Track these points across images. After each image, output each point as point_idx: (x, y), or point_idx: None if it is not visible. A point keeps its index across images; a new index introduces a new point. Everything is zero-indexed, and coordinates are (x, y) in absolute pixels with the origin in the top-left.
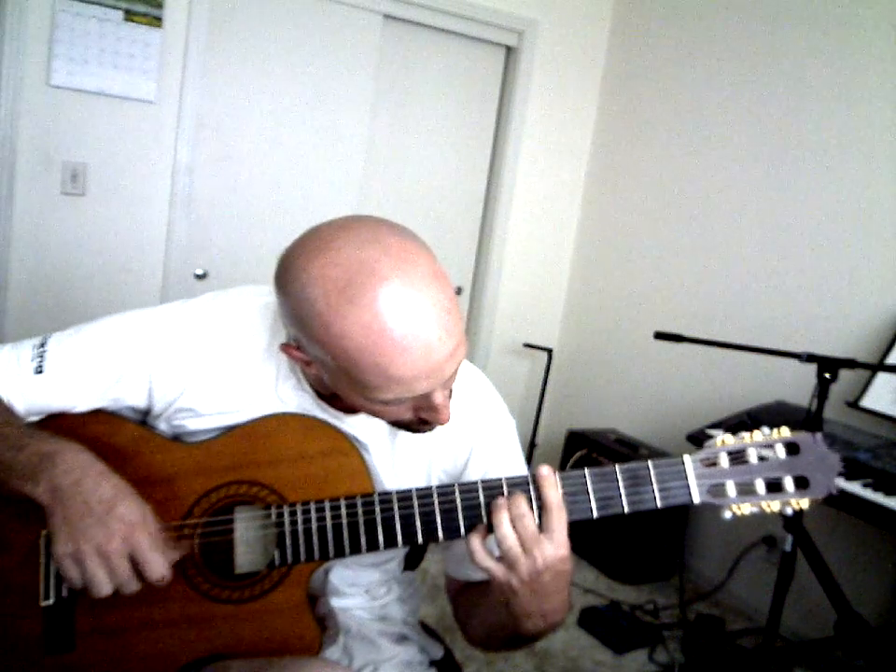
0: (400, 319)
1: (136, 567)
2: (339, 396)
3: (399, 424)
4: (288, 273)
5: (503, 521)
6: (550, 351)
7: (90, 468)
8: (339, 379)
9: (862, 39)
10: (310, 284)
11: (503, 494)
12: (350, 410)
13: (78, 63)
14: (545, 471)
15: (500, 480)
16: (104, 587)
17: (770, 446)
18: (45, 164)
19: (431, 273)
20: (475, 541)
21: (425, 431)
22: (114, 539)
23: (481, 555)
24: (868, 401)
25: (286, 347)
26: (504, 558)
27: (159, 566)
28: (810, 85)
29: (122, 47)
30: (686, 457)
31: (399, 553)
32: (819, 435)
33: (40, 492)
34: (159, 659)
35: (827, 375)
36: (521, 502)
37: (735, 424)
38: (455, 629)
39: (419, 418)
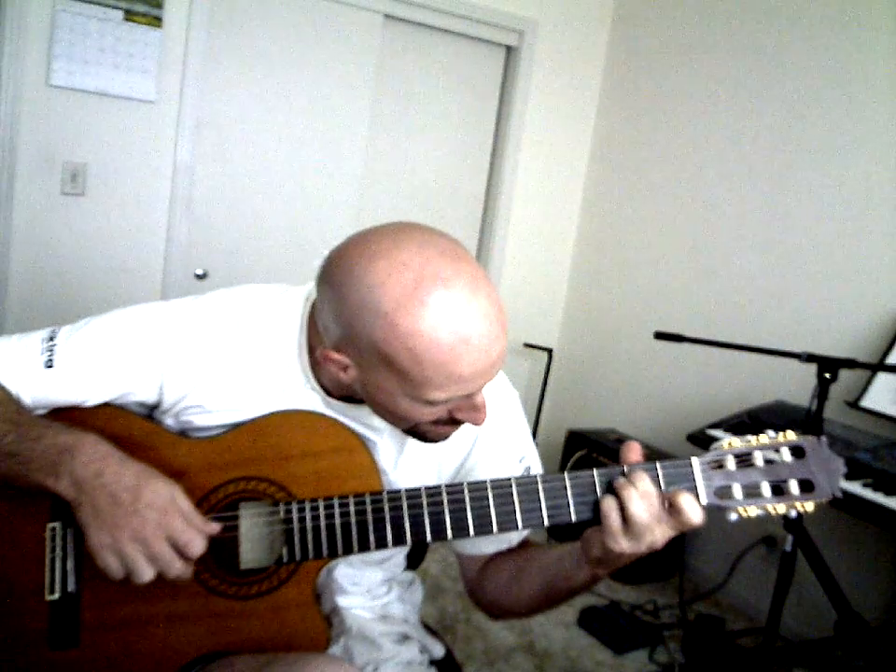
0: (467, 319)
1: (175, 547)
2: (364, 397)
3: (417, 431)
4: (347, 277)
5: (632, 496)
6: (550, 351)
7: (109, 457)
8: (386, 381)
9: (864, 39)
10: (377, 286)
11: (512, 493)
12: (361, 401)
13: (78, 62)
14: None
15: (510, 479)
16: (146, 573)
17: (776, 449)
18: (45, 164)
19: (482, 274)
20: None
21: (442, 439)
22: (147, 524)
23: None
24: (868, 401)
25: (325, 353)
26: (631, 529)
27: (197, 543)
28: (811, 84)
29: (122, 47)
30: (694, 459)
31: (403, 550)
32: (823, 439)
33: (63, 486)
34: (164, 655)
35: (827, 375)
36: (646, 479)
37: (735, 424)
38: (455, 629)
39: (452, 418)
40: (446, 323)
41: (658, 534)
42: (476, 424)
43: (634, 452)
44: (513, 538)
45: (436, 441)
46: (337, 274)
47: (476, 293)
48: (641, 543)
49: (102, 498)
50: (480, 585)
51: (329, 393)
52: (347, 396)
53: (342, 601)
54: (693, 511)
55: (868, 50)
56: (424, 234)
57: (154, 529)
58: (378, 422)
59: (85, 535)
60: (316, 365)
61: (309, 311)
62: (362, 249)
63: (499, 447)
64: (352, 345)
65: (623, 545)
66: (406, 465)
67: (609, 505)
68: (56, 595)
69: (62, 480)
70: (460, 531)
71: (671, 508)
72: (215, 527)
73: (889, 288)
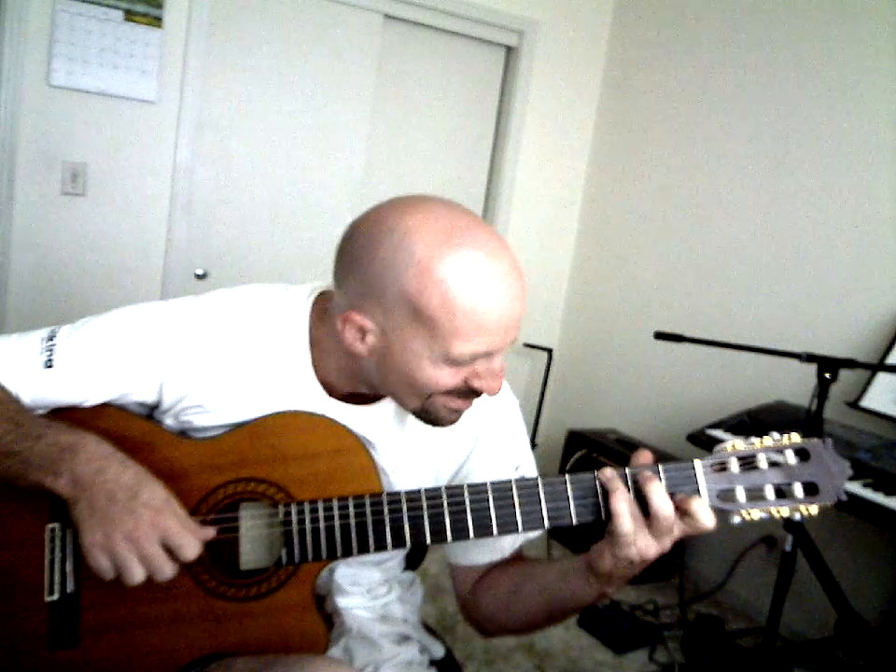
0: (497, 269)
1: (168, 550)
2: (379, 372)
3: (429, 409)
4: (379, 229)
5: (656, 490)
6: (550, 351)
7: (110, 457)
8: (411, 339)
9: (863, 39)
10: (411, 232)
11: (513, 495)
12: (364, 401)
13: (78, 62)
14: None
15: (510, 481)
16: (136, 574)
17: (780, 452)
18: (45, 164)
19: (505, 241)
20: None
21: (451, 418)
22: (142, 524)
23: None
24: (868, 401)
25: (346, 314)
26: (655, 526)
27: (192, 546)
28: (810, 85)
29: (122, 47)
30: (696, 462)
31: (401, 551)
32: (829, 441)
33: (62, 484)
34: (163, 656)
35: (827, 375)
36: (657, 482)
37: (735, 424)
38: (455, 629)
39: (468, 388)
40: (478, 271)
41: (668, 539)
42: (492, 393)
43: (645, 459)
44: (505, 546)
45: (444, 424)
46: (366, 233)
47: (503, 249)
48: (660, 543)
49: (99, 496)
50: (474, 600)
51: (330, 392)
52: (349, 395)
53: (341, 602)
54: (706, 516)
55: (869, 50)
56: (450, 201)
57: (148, 529)
58: (378, 423)
59: (78, 532)
60: (318, 362)
61: (311, 308)
62: (394, 206)
63: (497, 453)
64: (378, 303)
65: (633, 550)
66: (405, 467)
67: (621, 507)
68: (55, 596)
69: (61, 478)
70: (460, 533)
71: (683, 512)
72: (210, 532)
73: (889, 288)
